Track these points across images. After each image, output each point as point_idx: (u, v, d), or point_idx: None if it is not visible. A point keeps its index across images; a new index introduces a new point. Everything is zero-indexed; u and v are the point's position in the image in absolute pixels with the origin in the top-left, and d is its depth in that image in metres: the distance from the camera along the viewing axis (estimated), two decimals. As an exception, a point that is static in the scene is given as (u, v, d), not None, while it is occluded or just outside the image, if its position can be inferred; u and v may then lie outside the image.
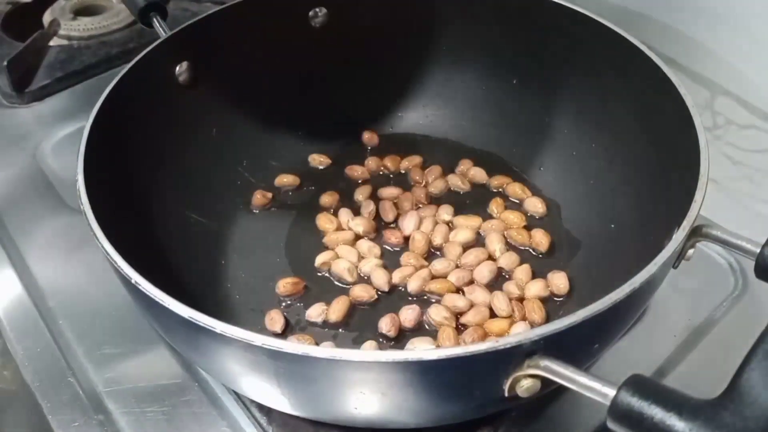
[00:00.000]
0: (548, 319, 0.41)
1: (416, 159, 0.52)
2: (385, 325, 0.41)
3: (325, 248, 0.46)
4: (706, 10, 0.48)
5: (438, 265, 0.44)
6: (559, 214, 0.48)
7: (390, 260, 0.46)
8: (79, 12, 0.70)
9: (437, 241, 0.46)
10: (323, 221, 0.48)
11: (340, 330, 0.42)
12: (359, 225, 0.47)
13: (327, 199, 0.50)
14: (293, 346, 0.26)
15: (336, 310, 0.42)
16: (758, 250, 0.30)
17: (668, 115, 0.38)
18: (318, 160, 0.53)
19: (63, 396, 0.40)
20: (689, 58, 0.50)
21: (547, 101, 0.50)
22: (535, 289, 0.43)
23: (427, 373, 0.27)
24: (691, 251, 0.33)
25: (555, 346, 0.26)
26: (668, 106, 0.38)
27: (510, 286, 0.43)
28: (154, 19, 0.49)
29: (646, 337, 0.42)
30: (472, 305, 0.42)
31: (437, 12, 0.51)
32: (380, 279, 0.44)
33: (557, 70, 0.48)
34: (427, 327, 0.42)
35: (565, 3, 0.46)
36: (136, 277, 0.30)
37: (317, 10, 0.51)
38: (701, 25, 0.48)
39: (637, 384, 0.24)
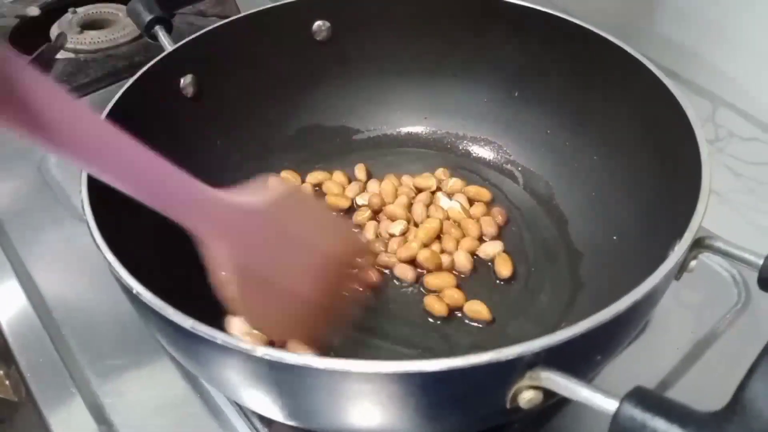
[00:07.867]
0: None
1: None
2: None
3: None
4: (707, 23, 0.48)
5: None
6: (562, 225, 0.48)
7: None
8: (86, 26, 0.71)
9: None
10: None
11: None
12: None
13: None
14: (294, 357, 0.26)
15: None
16: (761, 262, 0.30)
17: (670, 128, 0.39)
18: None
19: (66, 407, 0.40)
20: (691, 70, 0.50)
21: (548, 114, 0.50)
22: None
23: (428, 384, 0.26)
24: (693, 263, 0.33)
25: (557, 358, 0.26)
26: (670, 118, 0.38)
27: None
28: (159, 33, 0.49)
29: (648, 350, 0.42)
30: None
31: (439, 26, 0.51)
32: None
33: (558, 83, 0.48)
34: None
35: (566, 16, 0.46)
36: (138, 287, 0.30)
37: (321, 24, 0.51)
38: (703, 37, 0.49)
39: (640, 396, 0.24)
